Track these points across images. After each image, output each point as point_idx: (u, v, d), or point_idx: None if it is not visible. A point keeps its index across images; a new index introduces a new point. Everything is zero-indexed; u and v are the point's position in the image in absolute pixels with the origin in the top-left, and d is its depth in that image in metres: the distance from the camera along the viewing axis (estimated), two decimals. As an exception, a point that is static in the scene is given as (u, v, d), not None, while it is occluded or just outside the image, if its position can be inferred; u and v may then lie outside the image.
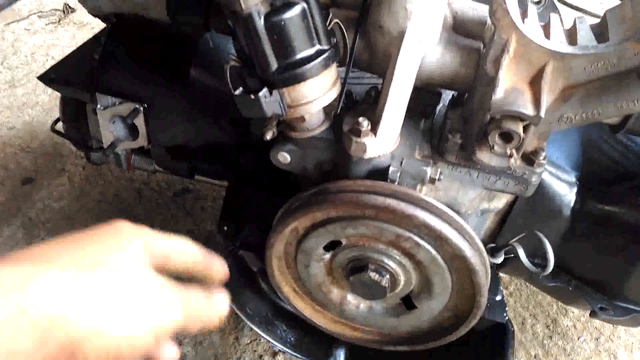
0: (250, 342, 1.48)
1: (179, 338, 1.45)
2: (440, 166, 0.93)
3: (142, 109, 1.17)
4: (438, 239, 0.88)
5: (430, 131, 0.98)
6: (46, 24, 2.62)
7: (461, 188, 0.96)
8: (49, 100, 2.20)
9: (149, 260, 0.51)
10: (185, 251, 0.56)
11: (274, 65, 0.79)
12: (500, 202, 1.04)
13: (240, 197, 1.18)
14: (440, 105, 1.03)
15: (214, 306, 0.55)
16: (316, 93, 0.84)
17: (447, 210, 0.88)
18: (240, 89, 0.82)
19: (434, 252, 0.90)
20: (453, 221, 0.88)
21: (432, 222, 0.85)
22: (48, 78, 1.21)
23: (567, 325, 1.59)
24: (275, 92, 0.81)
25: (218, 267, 0.59)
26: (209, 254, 0.59)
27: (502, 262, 1.10)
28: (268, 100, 0.81)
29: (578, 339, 1.56)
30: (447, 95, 1.04)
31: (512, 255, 1.09)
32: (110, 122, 1.18)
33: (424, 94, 1.01)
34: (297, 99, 0.84)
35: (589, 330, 1.58)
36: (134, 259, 0.50)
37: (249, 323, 1.15)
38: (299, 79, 0.80)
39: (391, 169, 0.90)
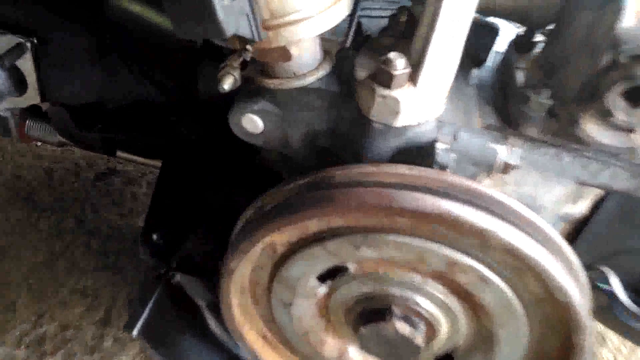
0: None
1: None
2: (513, 143, 0.64)
3: (29, 45, 0.92)
4: (525, 273, 0.55)
5: (490, 87, 0.72)
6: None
7: (542, 181, 0.67)
8: None
9: None
10: None
11: None
12: (585, 204, 0.74)
13: (179, 188, 0.92)
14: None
15: None
16: (310, 4, 0.56)
17: (541, 223, 0.54)
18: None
19: (509, 292, 0.58)
20: (552, 244, 0.54)
21: (524, 246, 0.52)
22: None
23: (606, 358, 1.40)
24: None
25: None
26: None
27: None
28: (227, 5, 0.44)
29: (618, 371, 1.35)
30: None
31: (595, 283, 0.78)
32: (-18, 65, 0.93)
33: (471, 30, 0.71)
34: (278, 11, 0.55)
35: (630, 363, 1.41)
36: None
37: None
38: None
39: (439, 146, 0.63)
